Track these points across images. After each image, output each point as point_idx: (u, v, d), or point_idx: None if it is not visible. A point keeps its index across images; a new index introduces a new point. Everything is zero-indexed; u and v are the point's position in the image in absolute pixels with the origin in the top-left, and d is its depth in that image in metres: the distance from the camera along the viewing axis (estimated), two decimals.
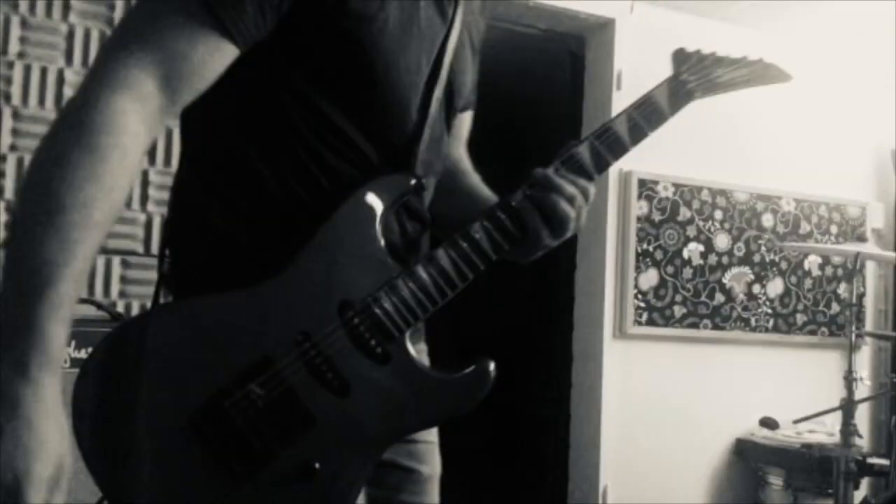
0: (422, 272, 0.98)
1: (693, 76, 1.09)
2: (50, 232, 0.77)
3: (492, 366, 1.03)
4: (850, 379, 2.51)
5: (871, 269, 3.98)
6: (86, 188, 0.79)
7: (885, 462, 2.60)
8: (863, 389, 2.61)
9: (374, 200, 0.98)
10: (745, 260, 3.75)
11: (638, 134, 1.11)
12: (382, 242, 0.98)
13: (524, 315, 4.33)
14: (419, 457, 1.11)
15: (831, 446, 2.90)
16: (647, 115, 1.10)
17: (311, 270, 0.94)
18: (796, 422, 2.70)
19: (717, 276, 3.69)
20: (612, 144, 1.09)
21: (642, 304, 3.55)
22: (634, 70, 3.62)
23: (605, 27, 3.61)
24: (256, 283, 0.92)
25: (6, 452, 0.74)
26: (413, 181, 1.03)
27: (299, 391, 0.90)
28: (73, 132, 0.80)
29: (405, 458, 1.08)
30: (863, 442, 3.55)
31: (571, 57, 3.87)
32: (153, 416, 0.87)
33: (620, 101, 3.59)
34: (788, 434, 3.49)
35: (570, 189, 1.05)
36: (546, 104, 4.21)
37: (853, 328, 2.58)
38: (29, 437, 0.75)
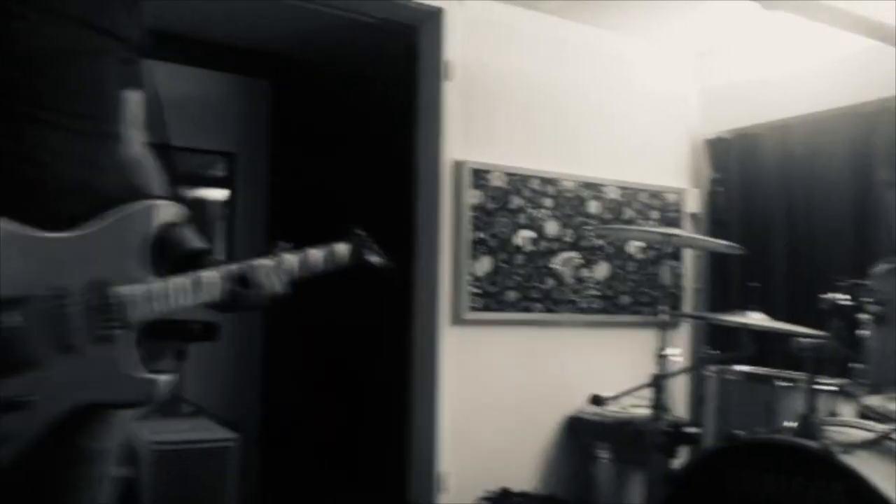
0: (165, 283, 1.17)
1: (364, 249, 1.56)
2: None
3: (163, 379, 1.17)
4: (661, 356, 2.66)
5: (688, 252, 4.26)
6: None
7: (696, 430, 2.78)
8: (674, 365, 2.77)
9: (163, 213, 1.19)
10: (574, 245, 3.91)
11: (321, 267, 1.44)
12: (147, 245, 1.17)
13: (365, 304, 4.31)
14: (92, 434, 1.20)
15: (643, 419, 3.08)
16: (331, 259, 1.46)
17: (95, 241, 1.11)
18: (614, 398, 2.84)
19: (547, 262, 3.82)
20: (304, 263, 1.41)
21: (477, 291, 3.62)
22: (465, 61, 3.68)
23: (434, 17, 3.64)
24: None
25: None
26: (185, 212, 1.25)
27: (34, 334, 1.03)
28: None
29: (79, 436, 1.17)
30: (681, 413, 3.82)
31: (405, 47, 3.87)
32: None
33: (451, 92, 3.64)
34: (615, 410, 3.68)
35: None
36: (382, 94, 4.20)
37: (664, 308, 2.74)
38: None
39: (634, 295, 4.06)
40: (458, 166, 3.63)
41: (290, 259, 1.35)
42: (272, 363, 4.55)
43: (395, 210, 3.92)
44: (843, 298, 1.98)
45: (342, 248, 1.45)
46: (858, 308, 1.98)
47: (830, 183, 3.71)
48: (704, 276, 4.28)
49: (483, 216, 3.66)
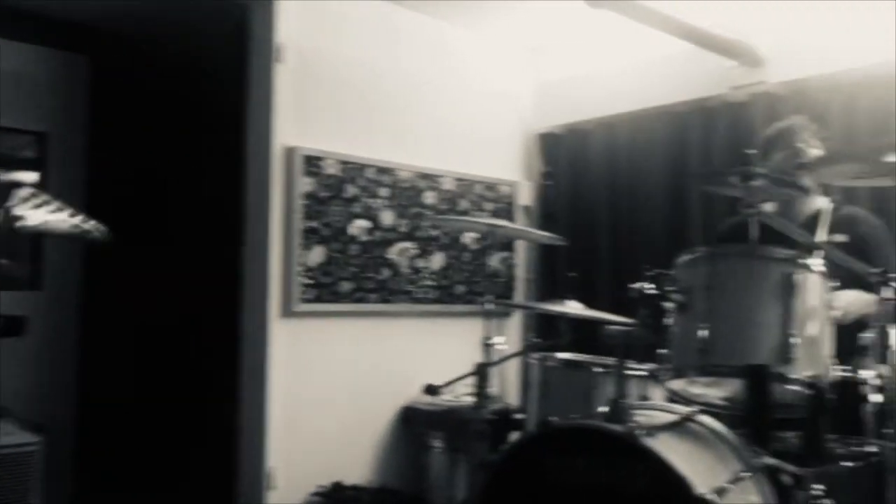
0: None
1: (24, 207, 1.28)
2: None
3: None
4: (487, 344, 2.70)
5: (521, 242, 4.36)
6: None
7: (522, 417, 2.84)
8: (502, 353, 2.82)
9: None
10: (410, 235, 3.90)
11: None
12: None
13: (191, 296, 4.12)
14: None
15: (467, 408, 3.12)
16: None
17: None
18: (443, 387, 2.85)
19: (382, 252, 3.79)
20: None
21: (310, 282, 3.53)
22: (298, 44, 3.57)
23: None
24: None
25: None
26: None
27: None
28: None
29: None
30: (513, 400, 3.90)
31: (236, 27, 3.71)
32: None
33: (283, 76, 3.52)
34: (448, 399, 3.70)
35: None
36: (211, 75, 4.01)
37: (490, 297, 2.77)
38: None
39: (469, 285, 4.11)
40: (290, 152, 3.52)
41: None
42: (89, 360, 4.24)
43: (225, 196, 3.76)
44: (649, 287, 2.06)
45: None
46: (663, 297, 2.07)
47: (649, 178, 3.91)
48: (535, 266, 4.40)
49: (316, 205, 3.57)
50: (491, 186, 4.25)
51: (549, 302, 2.65)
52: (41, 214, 1.25)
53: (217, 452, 3.60)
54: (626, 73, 4.05)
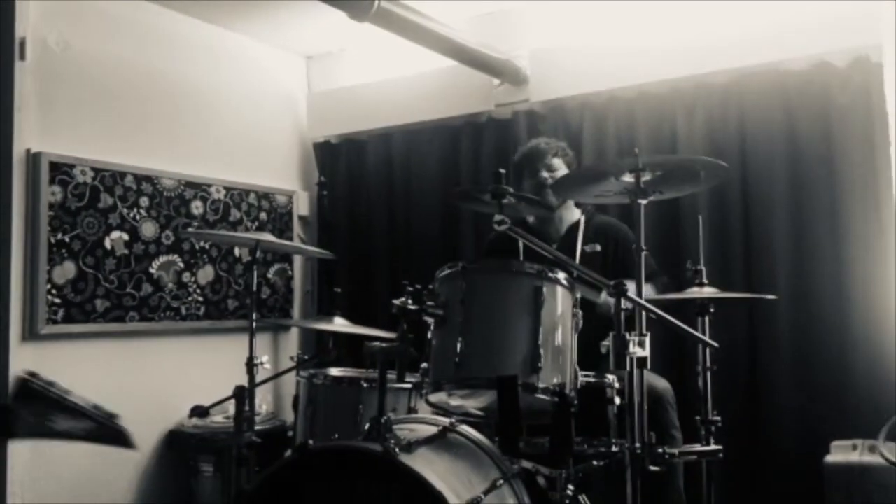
0: None
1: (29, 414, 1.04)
2: None
3: None
4: (250, 364, 2.59)
5: (298, 255, 4.27)
6: None
7: (292, 435, 2.76)
8: (266, 371, 2.73)
9: None
10: (174, 248, 3.67)
11: None
12: None
13: None
14: None
15: (226, 433, 3.00)
16: None
17: None
18: (204, 408, 2.69)
19: (144, 266, 3.54)
20: None
21: (58, 301, 3.22)
22: (45, 41, 3.26)
23: None
24: None
25: None
26: None
27: None
28: None
29: None
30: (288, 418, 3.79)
31: None
32: None
33: (26, 74, 3.19)
34: (218, 421, 3.53)
35: None
36: None
37: (253, 315, 2.67)
38: None
39: (241, 299, 3.95)
40: (34, 158, 3.19)
41: None
42: None
43: None
44: (409, 302, 2.07)
45: None
46: (424, 311, 2.09)
47: (423, 190, 3.97)
48: (313, 277, 4.33)
49: (65, 216, 3.26)
50: (266, 195, 4.11)
51: (318, 317, 2.59)
52: None
53: None
54: (400, 86, 4.09)
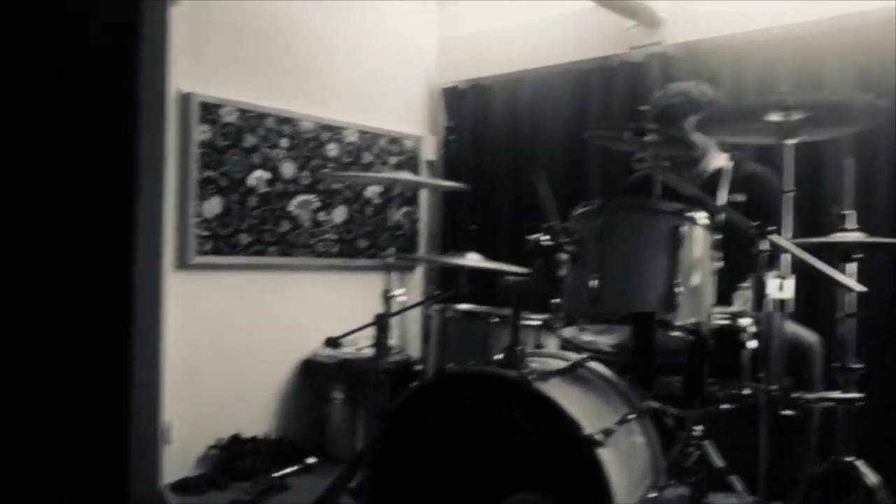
0: None
1: None
2: None
3: None
4: (387, 296, 2.71)
5: (424, 197, 4.38)
6: None
7: (420, 367, 2.88)
8: (402, 305, 2.84)
9: None
10: (311, 188, 3.84)
11: None
12: None
13: (84, 250, 3.94)
14: None
15: (365, 359, 3.15)
16: None
17: None
18: (340, 338, 2.84)
19: (283, 204, 3.73)
20: None
21: (206, 233, 3.45)
22: None
23: None
24: None
25: None
26: None
27: None
28: None
29: None
30: (415, 352, 3.95)
31: None
32: None
33: (179, 17, 3.38)
34: (349, 351, 3.72)
35: None
36: (101, 14, 3.79)
37: (391, 251, 2.78)
38: None
39: (371, 238, 4.10)
40: (186, 99, 3.39)
41: None
42: None
43: (115, 143, 3.59)
44: (544, 239, 2.11)
45: None
46: (558, 248, 2.13)
47: (550, 134, 3.97)
48: (438, 220, 4.43)
49: (213, 154, 3.47)
50: (395, 140, 4.22)
51: (449, 254, 2.67)
52: None
53: (110, 408, 3.50)
54: (529, 30, 4.08)
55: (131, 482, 3.36)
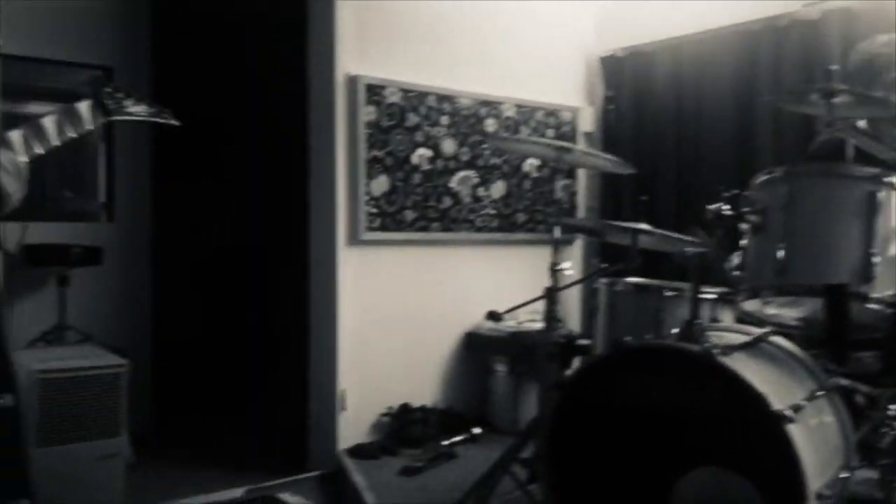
0: None
1: (111, 102, 1.24)
2: None
3: None
4: (554, 270, 2.71)
5: (582, 170, 4.33)
6: None
7: (587, 341, 2.87)
8: (566, 279, 2.84)
9: None
10: (471, 164, 3.90)
11: (62, 134, 1.25)
12: None
13: (266, 227, 4.21)
14: None
15: (535, 332, 3.17)
16: (72, 122, 1.25)
17: None
18: (507, 312, 2.88)
19: (444, 181, 3.81)
20: (39, 135, 1.22)
21: (374, 211, 3.58)
22: None
23: None
24: None
25: None
26: None
27: None
28: None
29: None
30: (575, 326, 3.94)
31: None
32: None
33: (344, 3, 3.50)
34: (510, 325, 3.76)
35: (13, 161, 1.16)
36: (271, 3, 4.00)
37: (556, 224, 2.78)
38: None
39: (530, 213, 4.12)
40: (352, 81, 3.52)
41: (14, 136, 1.17)
42: (162, 288, 4.40)
43: (289, 127, 3.79)
44: (726, 208, 2.05)
45: (83, 107, 1.26)
46: (739, 218, 2.06)
47: (717, 101, 3.81)
48: (597, 193, 4.37)
49: (379, 134, 3.59)
50: (552, 112, 4.20)
51: (619, 227, 2.64)
52: (129, 105, 1.30)
53: (289, 375, 3.73)
54: None
55: (310, 446, 3.57)
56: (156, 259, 4.39)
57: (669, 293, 2.52)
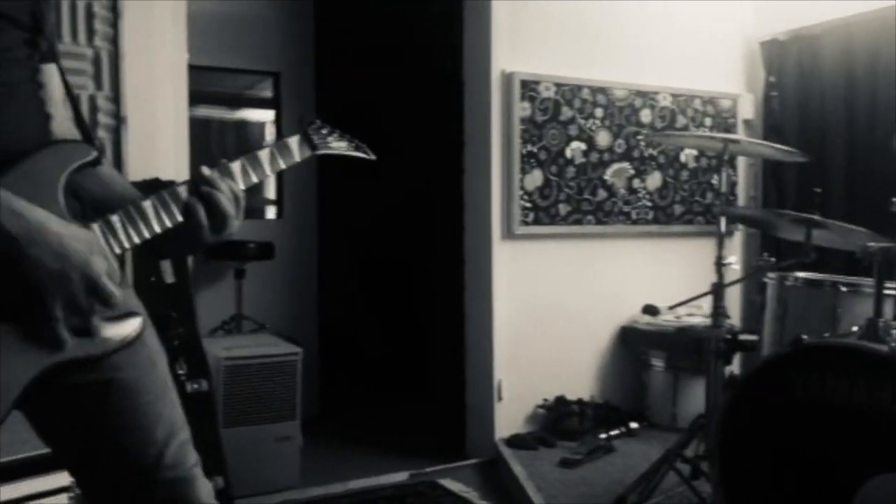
0: (97, 230, 1.11)
1: (316, 137, 1.35)
2: None
3: (134, 322, 1.15)
4: (720, 264, 2.66)
5: (741, 158, 4.19)
6: None
7: (753, 338, 2.80)
8: (732, 273, 2.77)
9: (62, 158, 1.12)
10: (626, 156, 3.86)
11: (274, 165, 1.31)
12: (62, 201, 1.09)
13: (421, 222, 4.35)
14: (113, 368, 1.19)
15: (703, 328, 3.11)
16: (283, 155, 1.32)
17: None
18: (672, 307, 2.86)
19: (598, 173, 3.80)
20: (255, 166, 1.28)
21: (528, 205, 3.62)
22: None
23: None
24: None
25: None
26: (94, 154, 1.16)
27: None
28: None
29: (99, 373, 1.17)
30: (734, 321, 3.83)
31: None
32: None
33: (498, 2, 3.56)
34: (668, 319, 3.71)
35: (232, 189, 1.21)
36: (427, 4, 4.12)
37: (722, 215, 2.71)
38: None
39: (686, 204, 4.03)
40: (507, 78, 3.57)
41: (234, 166, 1.27)
42: (326, 280, 4.64)
43: (444, 124, 3.90)
44: None
45: (293, 142, 1.35)
46: None
47: (892, 84, 3.57)
48: (758, 183, 4.21)
49: (533, 129, 3.62)
50: (710, 101, 4.09)
51: (794, 218, 2.54)
52: (332, 141, 1.39)
53: (446, 365, 3.85)
54: None
55: (468, 434, 3.67)
56: (321, 253, 4.64)
57: (845, 289, 2.42)
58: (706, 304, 3.81)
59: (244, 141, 4.94)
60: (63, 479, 1.97)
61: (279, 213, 4.54)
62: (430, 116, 4.14)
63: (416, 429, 4.00)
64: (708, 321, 2.84)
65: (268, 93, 4.66)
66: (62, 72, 1.35)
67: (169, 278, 2.64)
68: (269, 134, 4.90)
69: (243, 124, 5.07)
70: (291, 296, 4.51)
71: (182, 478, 1.24)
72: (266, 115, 4.84)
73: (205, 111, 4.66)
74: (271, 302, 4.39)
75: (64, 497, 2.00)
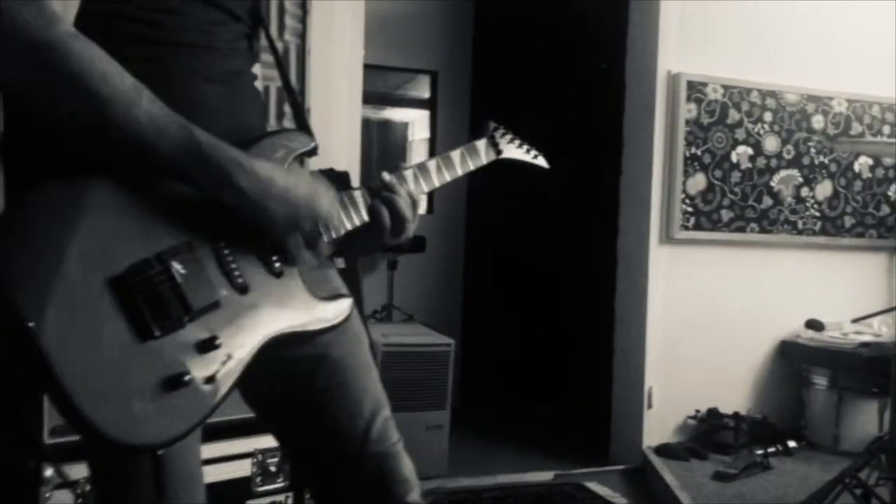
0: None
1: (502, 142, 1.35)
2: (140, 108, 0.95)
3: (346, 303, 1.18)
4: None
5: None
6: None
7: None
8: None
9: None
10: (794, 163, 3.69)
11: (465, 166, 1.32)
12: None
13: (570, 222, 4.33)
14: (325, 345, 1.22)
15: (888, 345, 2.92)
16: (472, 156, 1.33)
17: None
18: (855, 321, 2.70)
19: (765, 180, 3.65)
20: (448, 166, 1.30)
21: (689, 209, 3.53)
22: None
23: None
24: None
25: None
26: (314, 144, 1.19)
27: (211, 278, 1.03)
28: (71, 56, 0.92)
29: (311, 349, 1.21)
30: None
31: None
32: (77, 267, 0.93)
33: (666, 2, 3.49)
34: (835, 335, 3.52)
35: (412, 194, 1.22)
36: (590, 3, 4.08)
37: None
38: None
39: (859, 216, 3.81)
40: (674, 78, 3.49)
41: (408, 173, 1.25)
42: (473, 275, 4.70)
43: (602, 124, 3.86)
44: None
45: (481, 145, 1.33)
46: None
47: None
48: None
49: (698, 131, 3.52)
50: (890, 107, 3.84)
51: None
52: (513, 148, 1.40)
53: (593, 367, 3.81)
54: None
55: (613, 439, 3.62)
56: (468, 249, 4.70)
57: None
58: (876, 322, 3.61)
59: (389, 142, 5.02)
60: (248, 444, 2.09)
61: (429, 209, 4.64)
62: (588, 117, 4.11)
63: (558, 429, 3.98)
64: (881, 339, 2.68)
65: (423, 93, 4.75)
66: (280, 64, 1.43)
67: (340, 264, 2.75)
68: (412, 135, 4.98)
69: (386, 124, 5.13)
70: (438, 289, 4.59)
71: (388, 452, 1.28)
72: (410, 115, 4.92)
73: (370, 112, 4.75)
74: (420, 294, 4.48)
75: (247, 462, 2.12)
